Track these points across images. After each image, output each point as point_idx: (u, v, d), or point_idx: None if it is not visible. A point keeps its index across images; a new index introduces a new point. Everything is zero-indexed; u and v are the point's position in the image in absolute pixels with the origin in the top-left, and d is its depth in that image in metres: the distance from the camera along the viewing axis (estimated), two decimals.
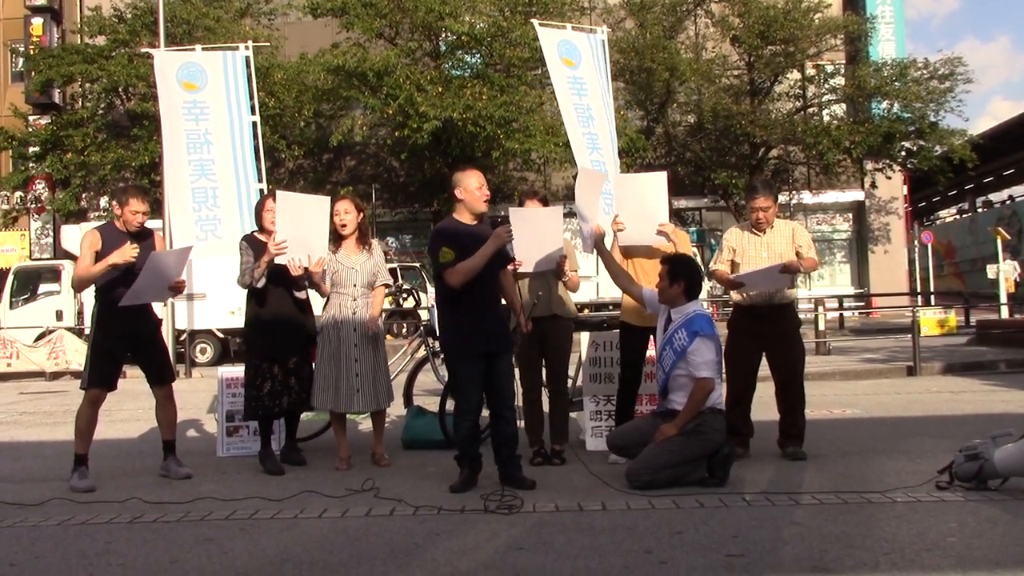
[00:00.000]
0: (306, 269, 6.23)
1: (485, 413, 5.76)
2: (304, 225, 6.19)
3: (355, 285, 6.41)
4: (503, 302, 5.90)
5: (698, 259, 6.41)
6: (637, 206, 6.27)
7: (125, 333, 6.03)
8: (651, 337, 6.27)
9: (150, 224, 6.39)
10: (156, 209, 16.24)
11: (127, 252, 5.81)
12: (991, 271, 25.28)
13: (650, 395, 6.66)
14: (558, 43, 9.54)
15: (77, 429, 5.98)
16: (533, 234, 5.99)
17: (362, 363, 6.35)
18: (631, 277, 6.30)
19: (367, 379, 6.36)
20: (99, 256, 5.90)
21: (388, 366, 6.67)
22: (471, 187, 5.65)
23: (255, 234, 6.65)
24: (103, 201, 25.24)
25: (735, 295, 6.53)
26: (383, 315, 6.83)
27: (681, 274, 5.73)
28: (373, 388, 6.38)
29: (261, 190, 10.27)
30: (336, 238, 6.46)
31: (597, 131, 9.38)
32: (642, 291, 6.10)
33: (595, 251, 6.34)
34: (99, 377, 5.98)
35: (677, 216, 6.52)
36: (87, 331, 7.21)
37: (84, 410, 5.99)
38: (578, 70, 9.47)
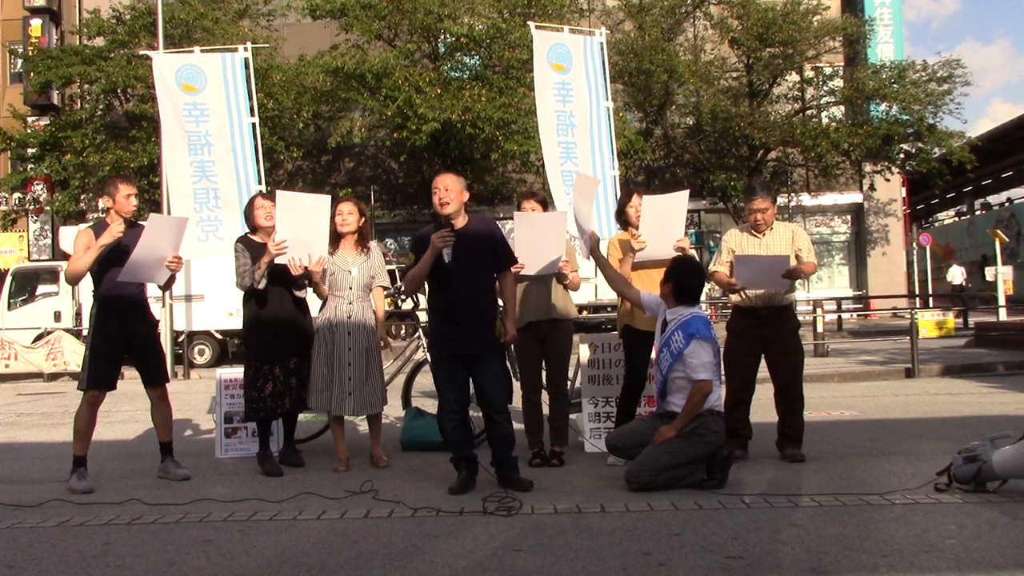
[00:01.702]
0: (306, 268, 6.23)
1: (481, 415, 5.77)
2: (304, 224, 6.19)
3: (351, 288, 6.41)
4: (501, 304, 5.87)
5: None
6: (659, 225, 6.25)
7: (123, 333, 6.03)
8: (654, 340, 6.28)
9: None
10: (155, 210, 16.22)
11: (115, 229, 5.83)
12: (949, 275, 28.31)
13: (648, 397, 6.66)
14: (551, 47, 9.56)
15: (76, 431, 5.97)
16: (536, 239, 6.01)
17: (355, 367, 6.34)
18: (627, 281, 6.28)
19: (359, 383, 6.35)
20: None
21: (383, 370, 6.65)
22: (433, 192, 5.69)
23: (249, 235, 6.65)
24: (102, 203, 25.17)
25: (734, 297, 6.53)
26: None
27: (672, 275, 5.74)
28: (365, 392, 6.37)
29: (260, 191, 10.27)
30: (335, 239, 6.46)
31: (576, 139, 9.39)
32: (639, 295, 6.09)
33: (591, 256, 6.34)
34: (98, 378, 5.97)
35: None
36: (85, 332, 7.16)
37: (83, 411, 5.98)
38: (567, 75, 9.48)
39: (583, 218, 6.35)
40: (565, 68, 9.48)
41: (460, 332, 5.56)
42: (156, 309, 15.97)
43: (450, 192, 5.60)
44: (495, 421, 5.63)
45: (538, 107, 9.53)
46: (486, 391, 5.64)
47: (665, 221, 6.23)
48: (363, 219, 6.60)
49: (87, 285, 6.11)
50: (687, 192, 6.36)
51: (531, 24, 10.26)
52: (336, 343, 6.34)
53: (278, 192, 6.40)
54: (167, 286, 6.62)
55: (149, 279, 6.19)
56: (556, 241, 6.13)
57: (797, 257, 6.34)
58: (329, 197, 6.46)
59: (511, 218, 6.32)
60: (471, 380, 5.70)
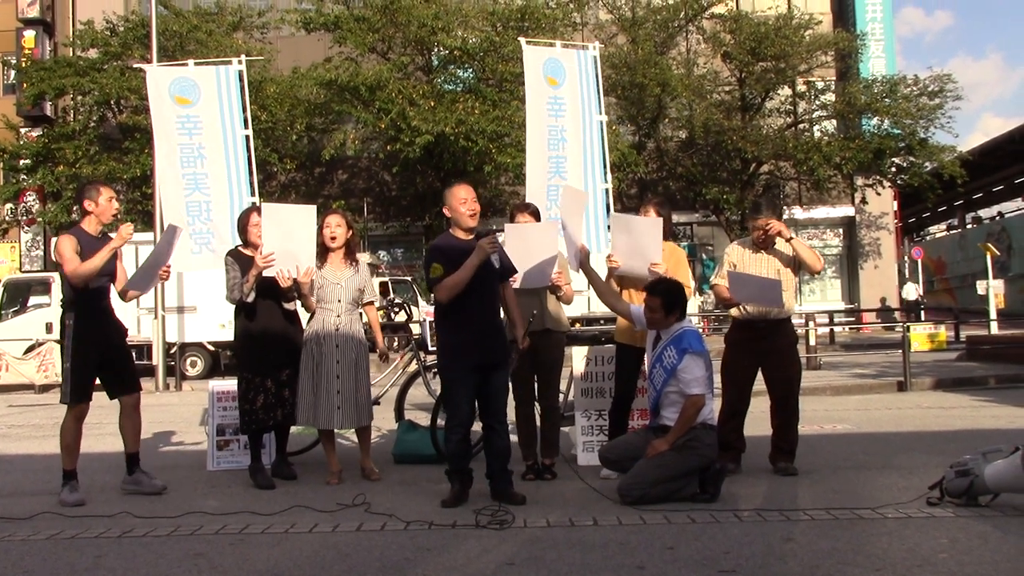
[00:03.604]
0: (295, 280, 6.23)
1: (478, 427, 5.75)
2: (290, 236, 6.18)
3: (339, 301, 6.40)
4: (502, 315, 5.89)
5: (689, 275, 6.43)
6: (630, 242, 6.24)
7: (100, 342, 5.95)
8: (645, 355, 6.29)
9: (142, 236, 6.38)
10: (147, 222, 16.21)
11: (125, 232, 5.79)
12: (904, 291, 29.55)
13: (641, 410, 6.65)
14: (544, 62, 9.59)
15: (65, 446, 5.89)
16: (528, 249, 6.01)
17: (343, 380, 6.32)
18: (618, 295, 6.29)
19: (348, 396, 6.32)
20: (81, 256, 5.82)
21: (370, 383, 6.62)
22: (455, 203, 5.67)
23: (239, 248, 6.65)
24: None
25: (733, 310, 6.55)
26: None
27: (677, 305, 5.74)
28: (354, 405, 6.34)
29: (253, 203, 10.27)
30: (323, 252, 6.45)
31: (567, 154, 9.42)
32: (630, 308, 6.10)
33: (580, 269, 6.34)
34: (82, 391, 5.89)
35: (670, 232, 6.47)
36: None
37: (70, 426, 5.91)
38: (560, 89, 9.51)
39: (572, 231, 6.35)
40: (558, 83, 9.51)
41: (486, 341, 5.56)
42: (148, 320, 15.96)
43: (475, 202, 5.69)
44: (496, 432, 5.61)
45: (528, 122, 9.55)
46: (494, 401, 5.63)
47: (636, 240, 6.20)
48: (350, 232, 6.60)
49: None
50: (660, 220, 6.30)
51: (521, 40, 10.26)
52: (324, 356, 6.32)
53: (263, 204, 6.41)
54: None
55: (145, 289, 6.22)
56: (548, 251, 6.12)
57: (797, 255, 6.36)
58: (315, 207, 6.47)
59: (503, 230, 6.32)
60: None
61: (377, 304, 6.86)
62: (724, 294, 6.45)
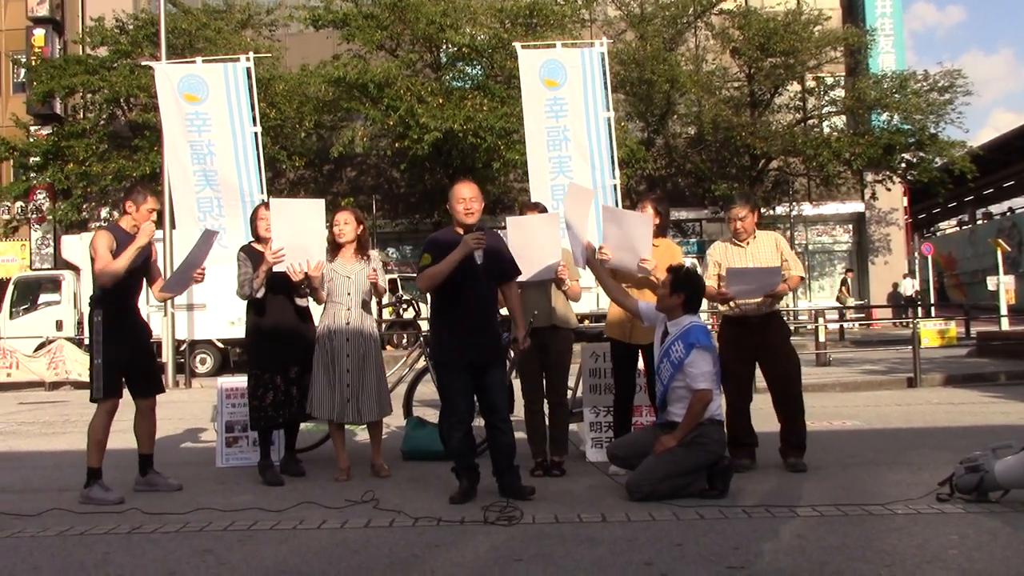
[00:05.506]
0: (306, 274, 6.24)
1: (483, 423, 5.75)
2: (300, 230, 6.19)
3: (349, 294, 6.41)
4: (503, 313, 5.90)
5: (698, 270, 6.43)
6: (621, 237, 6.24)
7: (129, 339, 5.96)
8: (639, 350, 6.28)
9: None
10: (157, 220, 16.26)
11: (147, 229, 5.83)
12: (901, 287, 29.66)
13: (649, 406, 6.64)
14: (542, 64, 9.62)
15: (95, 442, 5.82)
16: (531, 244, 6.00)
17: (353, 374, 6.33)
18: (625, 291, 6.28)
19: (357, 391, 6.33)
20: (115, 255, 5.80)
21: (384, 377, 6.63)
22: (454, 201, 5.71)
23: (252, 244, 6.67)
24: (104, 212, 25.29)
25: (722, 307, 6.54)
26: (384, 324, 6.85)
27: (683, 286, 5.73)
28: (363, 399, 6.35)
29: (263, 200, 10.31)
30: (334, 248, 6.47)
31: (571, 153, 9.44)
32: (637, 304, 6.09)
33: (587, 266, 6.33)
34: (114, 386, 5.88)
35: (677, 227, 6.50)
36: (88, 341, 7.02)
37: (102, 422, 5.86)
38: (560, 90, 9.54)
39: (578, 228, 6.33)
40: (558, 84, 9.53)
41: (475, 339, 5.57)
42: (158, 318, 16.04)
43: (474, 201, 5.69)
44: (499, 429, 5.62)
45: (526, 124, 9.58)
46: (493, 399, 5.64)
47: (626, 234, 6.19)
48: (361, 227, 6.60)
49: (88, 293, 6.07)
50: (649, 216, 6.31)
51: (517, 45, 10.30)
52: (335, 350, 6.33)
53: (271, 200, 6.43)
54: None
55: (179, 291, 6.27)
56: (551, 244, 6.11)
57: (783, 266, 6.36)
58: (323, 201, 6.49)
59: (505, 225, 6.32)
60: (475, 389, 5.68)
61: (385, 300, 6.86)
62: (715, 292, 6.44)
